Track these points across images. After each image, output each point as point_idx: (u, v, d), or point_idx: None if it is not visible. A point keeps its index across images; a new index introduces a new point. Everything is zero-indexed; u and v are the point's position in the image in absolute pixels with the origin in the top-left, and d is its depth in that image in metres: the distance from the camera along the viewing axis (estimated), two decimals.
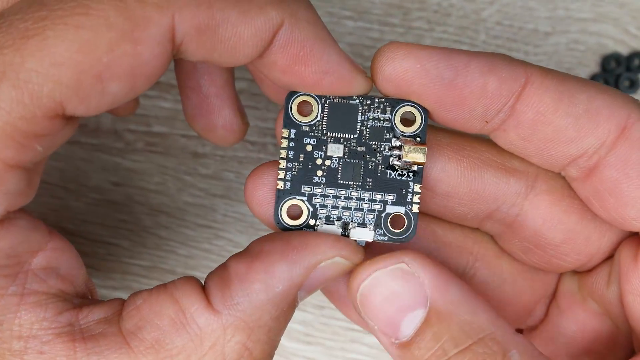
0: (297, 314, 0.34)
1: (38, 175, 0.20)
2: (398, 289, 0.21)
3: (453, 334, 0.20)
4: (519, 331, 0.27)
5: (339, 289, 0.25)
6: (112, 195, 0.34)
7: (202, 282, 0.21)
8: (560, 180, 0.24)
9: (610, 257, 0.24)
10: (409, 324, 0.21)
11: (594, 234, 0.23)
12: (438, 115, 0.22)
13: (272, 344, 0.21)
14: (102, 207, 0.34)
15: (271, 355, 0.21)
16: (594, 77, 0.35)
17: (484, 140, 0.24)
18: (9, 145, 0.18)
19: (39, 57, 0.18)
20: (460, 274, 0.26)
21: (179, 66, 0.26)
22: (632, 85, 0.35)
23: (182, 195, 0.34)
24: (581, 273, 0.25)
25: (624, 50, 0.35)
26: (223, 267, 0.21)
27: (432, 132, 0.23)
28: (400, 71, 0.21)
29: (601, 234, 0.23)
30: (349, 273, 0.22)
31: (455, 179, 0.23)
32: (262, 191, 0.23)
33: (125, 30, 0.18)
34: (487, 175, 0.23)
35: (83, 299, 0.21)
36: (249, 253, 0.21)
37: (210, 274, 0.21)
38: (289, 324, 0.34)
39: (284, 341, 0.34)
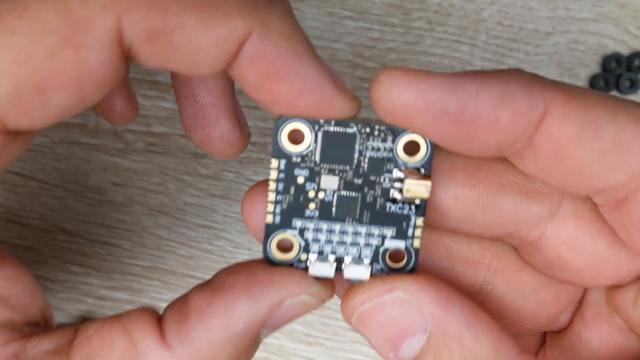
0: None
1: None
2: (396, 316, 0.20)
3: None
4: (542, 333, 0.27)
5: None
6: (112, 195, 0.34)
7: (163, 310, 0.20)
8: (588, 203, 0.21)
9: None
10: (409, 348, 0.20)
11: (623, 260, 0.22)
12: (445, 147, 0.19)
13: None
14: (102, 208, 0.34)
15: None
16: (594, 77, 0.35)
17: (504, 159, 0.21)
18: None
19: None
20: (476, 291, 0.24)
21: (174, 74, 0.24)
22: (633, 86, 0.35)
23: (182, 195, 0.34)
24: (610, 287, 0.23)
25: (624, 50, 0.35)
26: (184, 298, 0.19)
27: (443, 153, 0.21)
28: (399, 105, 0.18)
29: (632, 259, 0.22)
30: (343, 296, 0.20)
31: (470, 206, 0.21)
32: (258, 219, 0.21)
33: (65, 35, 0.16)
34: (506, 200, 0.21)
35: (35, 327, 0.20)
36: (212, 285, 0.19)
37: (169, 305, 0.20)
38: (290, 324, 0.34)
39: (284, 341, 0.34)
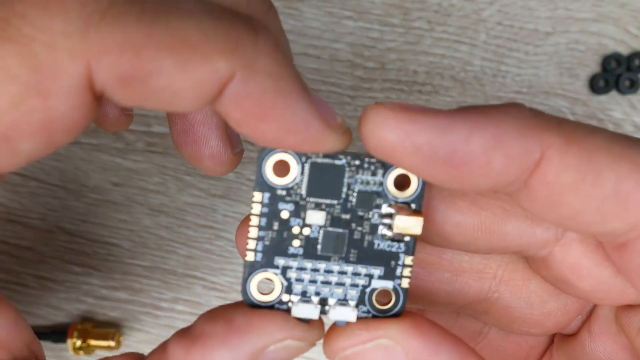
0: None
1: None
2: None
3: None
4: (552, 337, 0.26)
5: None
6: (112, 195, 0.34)
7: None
8: None
9: None
10: None
11: (630, 288, 0.21)
12: (437, 185, 0.19)
13: None
14: (102, 207, 0.34)
15: None
16: (594, 77, 0.35)
17: None
18: None
19: None
20: (482, 299, 0.24)
21: None
22: (633, 86, 0.35)
23: (183, 195, 0.34)
24: (621, 306, 0.23)
25: (624, 50, 0.35)
26: (163, 347, 0.19)
27: None
28: (387, 144, 0.17)
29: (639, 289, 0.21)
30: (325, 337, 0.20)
31: (472, 233, 0.21)
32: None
33: (29, 83, 0.15)
34: (510, 226, 0.21)
35: None
36: (191, 334, 0.18)
37: (151, 353, 0.19)
38: None
39: None
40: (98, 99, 0.16)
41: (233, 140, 0.24)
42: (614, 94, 0.35)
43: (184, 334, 0.18)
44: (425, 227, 0.20)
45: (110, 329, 0.34)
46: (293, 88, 0.17)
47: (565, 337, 0.25)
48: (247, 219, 0.20)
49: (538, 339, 0.26)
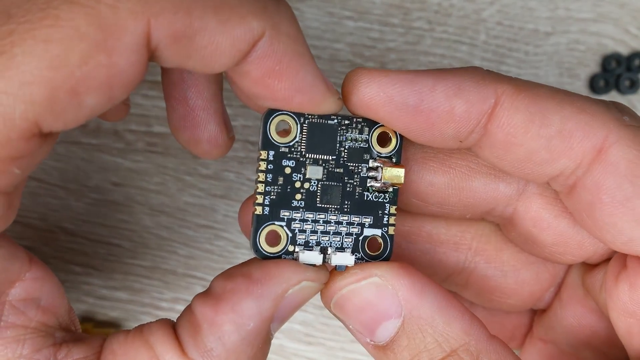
0: (297, 315, 0.34)
1: (18, 196, 0.19)
2: (372, 300, 0.21)
3: (428, 345, 0.20)
4: (532, 312, 0.28)
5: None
6: (112, 195, 0.34)
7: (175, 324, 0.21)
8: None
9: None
10: (384, 331, 0.21)
11: (587, 239, 0.23)
12: (411, 137, 0.21)
13: None
14: (102, 207, 0.34)
15: None
16: (594, 77, 0.35)
17: None
18: None
19: (8, 78, 0.16)
20: (460, 269, 0.26)
21: (165, 76, 0.25)
22: (632, 86, 0.35)
23: (183, 195, 0.34)
24: (586, 267, 0.25)
25: (624, 50, 0.35)
26: (189, 310, 0.20)
27: (417, 145, 0.23)
28: (365, 99, 0.20)
29: (594, 240, 0.23)
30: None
31: (445, 190, 0.23)
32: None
33: (98, 41, 0.17)
34: (476, 183, 0.23)
35: (66, 332, 0.21)
36: (213, 294, 0.20)
37: (179, 319, 0.20)
38: (290, 324, 0.34)
39: (284, 341, 0.34)
40: (150, 57, 0.18)
41: (227, 125, 0.26)
42: (614, 94, 0.35)
43: (207, 296, 0.20)
44: (404, 191, 0.23)
45: (110, 328, 0.34)
46: (306, 52, 0.20)
47: (542, 312, 0.27)
48: (250, 197, 0.22)
49: (520, 319, 0.28)
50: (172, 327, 0.20)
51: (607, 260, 0.24)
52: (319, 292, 0.22)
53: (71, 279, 0.34)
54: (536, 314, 0.27)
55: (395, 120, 0.21)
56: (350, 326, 0.21)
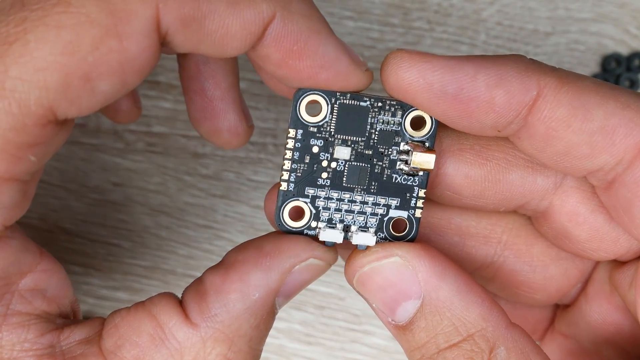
0: (297, 315, 0.34)
1: (34, 185, 0.20)
2: (393, 279, 0.21)
3: (445, 328, 0.20)
4: (555, 307, 0.27)
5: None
6: (112, 195, 0.34)
7: (181, 296, 0.21)
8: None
9: None
10: (404, 311, 0.21)
11: (622, 236, 0.23)
12: (447, 124, 0.21)
13: (254, 354, 0.21)
14: (102, 208, 0.34)
15: None
16: (594, 77, 0.35)
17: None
18: (1, 158, 0.17)
19: (23, 64, 0.17)
20: (488, 263, 0.25)
21: (183, 69, 0.25)
22: (632, 86, 0.35)
23: (183, 195, 0.34)
24: (615, 263, 0.24)
25: (624, 51, 0.35)
26: (199, 280, 0.21)
27: (454, 134, 0.23)
28: (403, 83, 0.20)
29: (629, 237, 0.23)
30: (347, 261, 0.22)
31: (481, 183, 0.23)
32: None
33: (108, 26, 0.17)
34: (513, 175, 0.23)
35: (65, 319, 0.21)
36: (224, 264, 0.21)
37: (187, 288, 0.21)
38: (290, 324, 0.34)
39: (284, 341, 0.34)
40: (161, 43, 0.19)
41: (246, 114, 0.26)
42: None
43: (217, 267, 0.21)
44: (438, 183, 0.23)
45: None
46: (323, 27, 0.20)
47: (565, 307, 0.27)
48: (275, 185, 0.22)
49: (543, 313, 0.27)
50: (175, 298, 0.20)
51: (638, 257, 0.23)
52: (336, 272, 0.22)
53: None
54: (559, 308, 0.27)
55: (433, 107, 0.20)
56: (374, 305, 0.21)
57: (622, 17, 0.35)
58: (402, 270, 0.21)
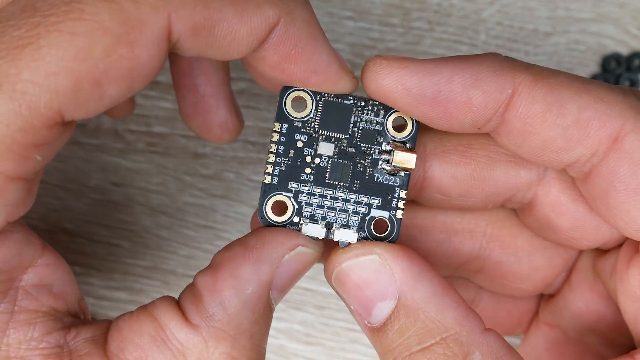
0: (297, 315, 0.34)
1: (37, 183, 0.20)
2: (370, 278, 0.21)
3: (418, 330, 0.20)
4: (538, 297, 0.28)
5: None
6: (112, 195, 0.34)
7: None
8: None
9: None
10: (379, 312, 0.21)
11: (604, 224, 0.23)
12: (428, 124, 0.22)
13: (258, 350, 0.21)
14: (102, 208, 0.34)
15: None
16: (594, 78, 0.35)
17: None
18: (8, 157, 0.18)
19: (34, 68, 0.17)
20: (475, 256, 0.26)
21: (174, 65, 0.26)
22: (632, 86, 0.35)
23: (183, 195, 0.34)
24: (598, 252, 0.25)
25: (624, 51, 0.35)
26: (191, 285, 0.21)
27: (436, 137, 0.23)
28: (383, 89, 0.21)
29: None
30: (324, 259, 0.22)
31: (467, 182, 0.23)
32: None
33: (120, 34, 0.18)
34: (497, 172, 0.23)
35: (74, 318, 0.21)
36: (212, 266, 0.21)
37: (182, 293, 0.21)
38: (290, 324, 0.34)
39: (284, 341, 0.34)
40: (170, 49, 0.19)
41: (237, 110, 0.27)
42: None
43: (207, 269, 0.21)
44: (426, 186, 0.24)
45: None
46: (319, 33, 0.21)
47: (549, 297, 0.27)
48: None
49: (527, 305, 0.28)
50: (175, 302, 0.21)
51: (620, 245, 0.24)
52: (320, 269, 0.22)
53: None
54: (543, 299, 0.28)
55: (413, 110, 0.21)
56: (351, 306, 0.22)
57: (622, 17, 0.35)
58: (379, 269, 0.21)
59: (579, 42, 0.35)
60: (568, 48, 0.35)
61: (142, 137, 0.34)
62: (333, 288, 0.22)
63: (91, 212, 0.34)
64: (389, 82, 0.21)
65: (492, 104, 0.21)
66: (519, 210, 0.25)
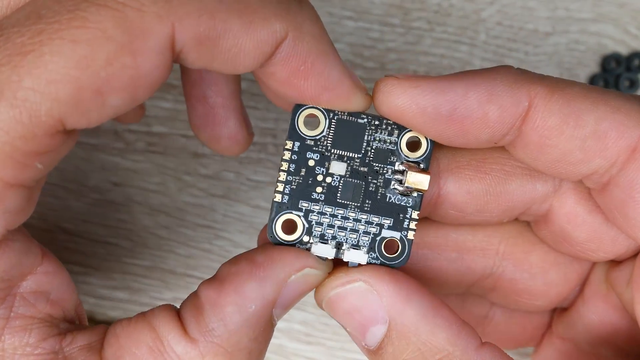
0: (297, 314, 0.34)
1: (38, 191, 0.20)
2: (358, 305, 0.21)
3: (411, 353, 0.20)
4: (552, 311, 0.28)
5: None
6: (112, 195, 0.34)
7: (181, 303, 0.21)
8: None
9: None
10: (372, 337, 0.21)
11: (621, 235, 0.23)
12: (444, 143, 0.21)
13: None
14: (102, 207, 0.34)
15: None
16: (594, 77, 0.35)
17: (504, 149, 0.23)
18: (9, 165, 0.18)
19: (36, 75, 0.17)
20: (488, 274, 0.26)
21: (185, 75, 0.25)
22: (632, 86, 0.35)
23: (182, 195, 0.34)
24: (611, 263, 0.25)
25: (624, 51, 0.35)
26: (194, 295, 0.21)
27: (449, 153, 0.23)
28: (397, 110, 0.21)
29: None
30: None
31: (482, 197, 0.23)
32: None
33: (124, 43, 0.17)
34: (513, 185, 0.23)
35: (70, 324, 0.21)
36: (217, 278, 0.21)
37: (183, 303, 0.21)
38: (290, 324, 0.34)
39: (284, 341, 0.34)
40: (175, 59, 0.19)
41: (247, 122, 0.27)
42: None
43: (211, 281, 0.21)
44: (441, 203, 0.23)
45: None
46: (330, 49, 0.20)
47: (563, 310, 0.27)
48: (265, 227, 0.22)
49: (540, 319, 0.28)
50: (175, 311, 0.20)
51: (634, 255, 0.24)
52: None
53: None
54: (556, 312, 0.27)
55: (428, 129, 0.21)
56: (347, 329, 0.21)
57: (622, 17, 0.35)
58: (366, 295, 0.21)
59: (579, 42, 0.35)
60: (568, 48, 0.35)
61: (141, 136, 0.34)
62: (325, 311, 0.22)
63: (91, 212, 0.34)
64: (403, 103, 0.20)
65: (509, 118, 0.20)
66: (533, 223, 0.25)
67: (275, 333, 0.34)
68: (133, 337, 0.20)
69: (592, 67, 0.35)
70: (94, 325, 0.21)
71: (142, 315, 0.20)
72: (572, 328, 0.26)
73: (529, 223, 0.25)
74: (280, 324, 0.34)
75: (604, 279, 0.25)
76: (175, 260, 0.34)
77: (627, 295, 0.24)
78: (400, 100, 0.20)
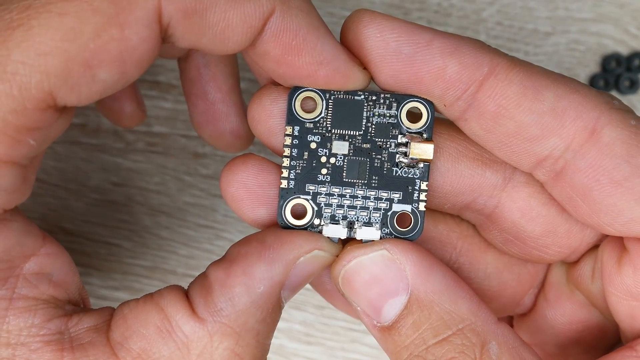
0: (297, 314, 0.34)
1: (34, 171, 0.20)
2: (379, 274, 0.21)
3: (433, 323, 0.20)
4: (509, 319, 0.27)
5: (324, 282, 0.25)
6: (112, 195, 0.34)
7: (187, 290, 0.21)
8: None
9: (595, 247, 0.23)
10: (390, 309, 0.20)
11: (575, 227, 0.23)
12: (395, 89, 0.21)
13: (262, 348, 0.21)
14: (102, 208, 0.34)
15: (262, 359, 0.21)
16: (594, 77, 0.35)
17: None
18: (0, 140, 0.18)
19: (25, 48, 0.17)
20: None
21: (184, 73, 0.26)
22: (632, 86, 0.35)
23: (183, 195, 0.34)
24: (569, 264, 0.24)
25: (624, 51, 0.35)
26: (203, 275, 0.21)
27: None
28: (361, 38, 0.20)
29: (583, 227, 0.23)
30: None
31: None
32: (234, 187, 0.22)
33: (110, 14, 0.18)
34: (462, 167, 0.23)
35: (75, 307, 0.21)
36: (227, 258, 0.21)
37: (192, 283, 0.21)
38: (290, 324, 0.34)
39: (284, 341, 0.34)
40: (163, 35, 0.19)
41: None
42: (614, 94, 0.35)
43: (221, 261, 0.21)
44: None
45: None
46: (320, 24, 0.20)
47: (523, 316, 0.27)
48: (235, 159, 0.22)
49: None
50: (183, 292, 0.20)
51: (589, 251, 0.23)
52: (325, 270, 0.22)
53: None
54: (515, 321, 0.27)
55: (386, 66, 0.21)
56: (358, 307, 0.21)
57: (622, 17, 0.35)
58: (389, 264, 0.21)
59: (579, 42, 0.35)
60: (568, 48, 0.35)
61: (142, 137, 0.34)
62: (339, 290, 0.22)
63: (91, 212, 0.34)
64: (369, 32, 0.20)
65: (466, 79, 0.20)
66: (479, 226, 0.24)
67: (275, 333, 0.34)
68: (141, 317, 0.20)
69: (592, 67, 0.35)
70: (100, 308, 0.21)
71: (150, 296, 0.21)
72: (538, 333, 0.26)
73: (474, 227, 0.25)
74: (280, 324, 0.34)
75: (565, 281, 0.25)
76: (176, 261, 0.34)
77: (594, 288, 0.23)
78: (367, 29, 0.20)
